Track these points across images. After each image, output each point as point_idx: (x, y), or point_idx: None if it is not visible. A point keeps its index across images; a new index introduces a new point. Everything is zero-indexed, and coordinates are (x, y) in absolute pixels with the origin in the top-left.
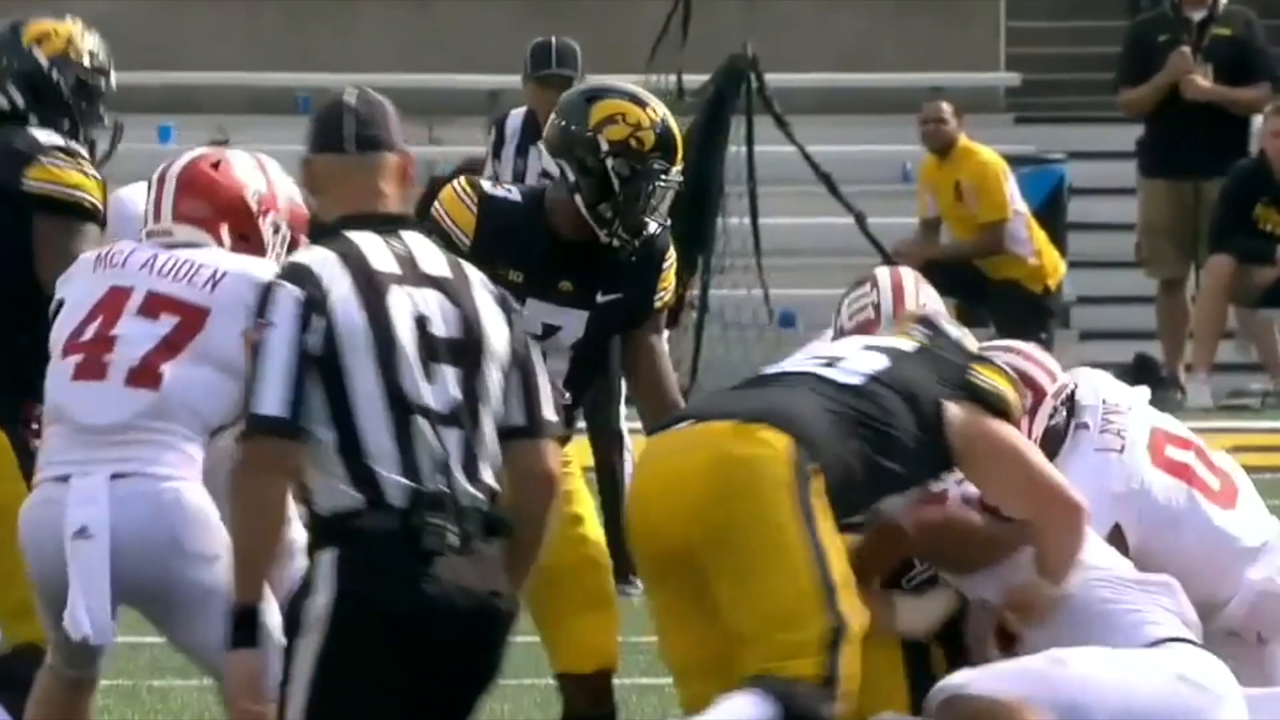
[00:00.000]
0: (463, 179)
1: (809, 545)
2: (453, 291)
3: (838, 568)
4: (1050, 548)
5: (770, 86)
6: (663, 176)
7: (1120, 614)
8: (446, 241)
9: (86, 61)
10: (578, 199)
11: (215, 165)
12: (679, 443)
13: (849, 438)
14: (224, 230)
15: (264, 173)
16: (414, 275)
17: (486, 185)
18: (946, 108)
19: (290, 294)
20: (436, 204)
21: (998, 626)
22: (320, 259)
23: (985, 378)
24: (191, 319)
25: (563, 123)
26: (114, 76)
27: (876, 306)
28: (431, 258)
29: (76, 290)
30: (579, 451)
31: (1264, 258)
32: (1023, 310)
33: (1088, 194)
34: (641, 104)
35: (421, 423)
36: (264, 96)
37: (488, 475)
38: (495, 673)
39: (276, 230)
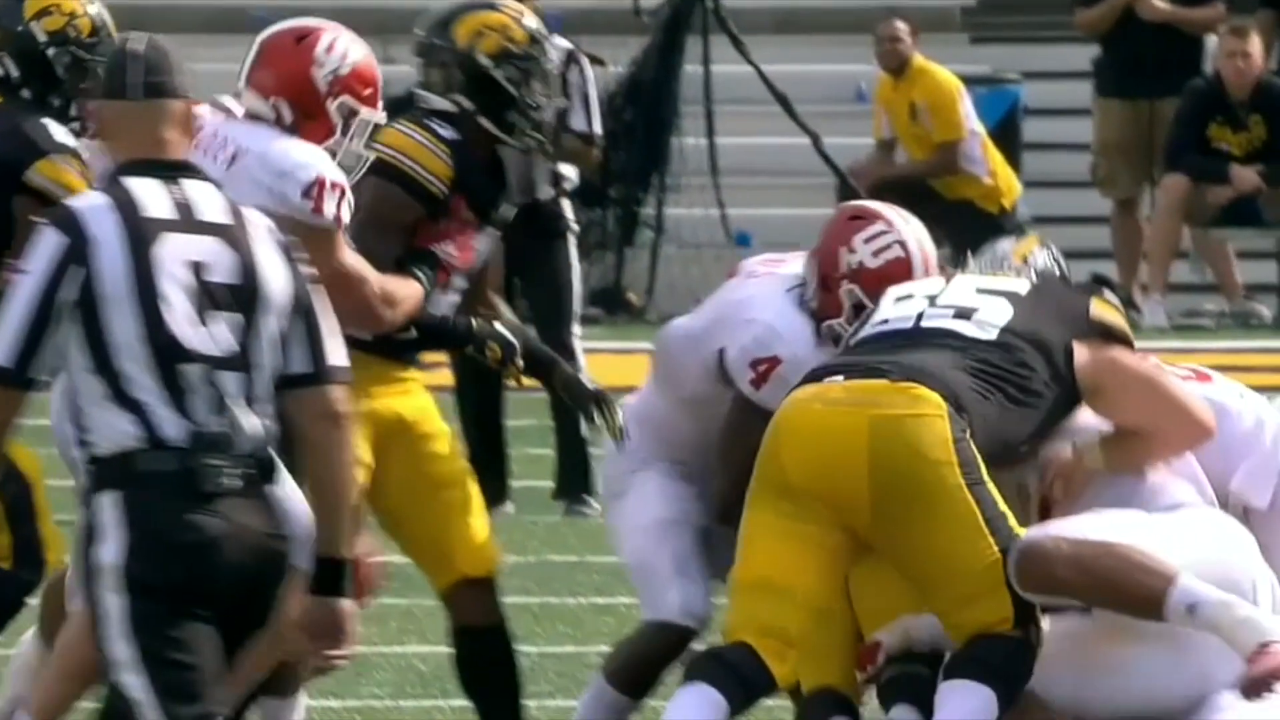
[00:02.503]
0: (414, 127)
1: (974, 498)
2: (232, 239)
3: (1002, 512)
4: (1160, 453)
5: (726, 6)
6: (545, 64)
7: (1146, 488)
8: (424, 192)
9: (86, 38)
10: (483, 121)
11: (300, 39)
12: (837, 396)
13: (991, 393)
14: (285, 105)
15: (352, 57)
16: (191, 222)
17: (440, 130)
18: (902, 27)
19: (51, 241)
20: (404, 157)
21: (1041, 502)
22: (90, 205)
23: (1103, 312)
24: None
25: (438, 57)
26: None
27: (903, 245)
28: (212, 205)
29: None
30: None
31: (1218, 177)
32: (978, 230)
33: (1043, 114)
34: (491, 6)
35: (194, 368)
36: (217, 16)
37: (268, 418)
38: (273, 613)
39: (352, 115)
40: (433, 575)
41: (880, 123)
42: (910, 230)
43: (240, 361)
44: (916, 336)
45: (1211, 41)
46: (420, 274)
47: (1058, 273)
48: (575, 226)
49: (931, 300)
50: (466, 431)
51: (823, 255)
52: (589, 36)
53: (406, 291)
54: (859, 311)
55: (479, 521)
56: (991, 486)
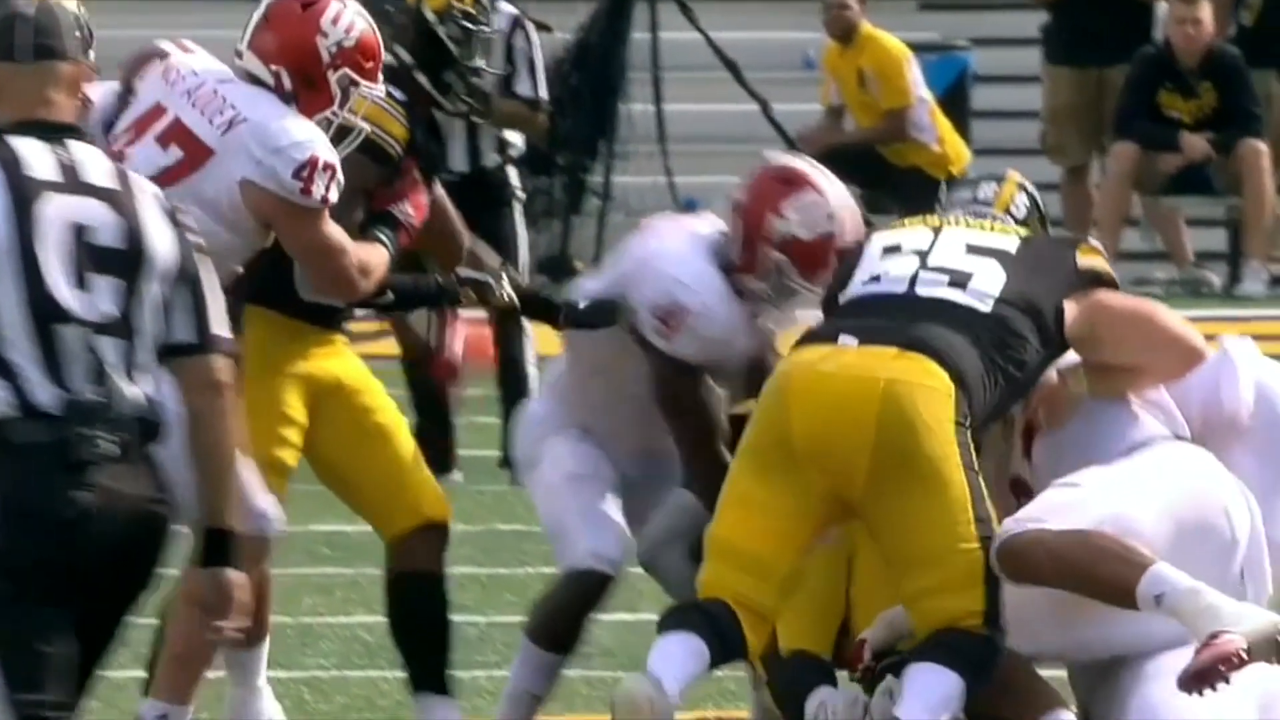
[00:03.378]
0: None
1: (966, 480)
2: (117, 202)
3: (988, 508)
4: (1149, 380)
5: None
6: (485, 28)
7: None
8: (382, 154)
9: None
10: (420, 77)
11: (306, 6)
12: (851, 360)
13: (993, 379)
14: (285, 72)
15: (357, 29)
16: (75, 184)
17: (393, 90)
18: None
19: None
20: (363, 120)
21: (1025, 426)
22: None
23: (1090, 260)
24: (194, 156)
25: (384, 10)
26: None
27: (833, 217)
28: (98, 168)
29: (142, 93)
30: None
31: (1168, 144)
32: (927, 197)
33: (992, 81)
34: None
35: (72, 331)
36: None
37: (147, 384)
38: (152, 579)
39: (352, 86)
40: (386, 524)
41: (828, 90)
42: (837, 196)
43: (121, 327)
44: (917, 307)
45: (1161, 8)
46: (383, 236)
47: (1038, 215)
48: (521, 194)
49: (922, 258)
50: (413, 400)
51: (749, 214)
52: (536, 2)
53: (377, 258)
54: (777, 279)
55: (417, 471)
56: (981, 479)
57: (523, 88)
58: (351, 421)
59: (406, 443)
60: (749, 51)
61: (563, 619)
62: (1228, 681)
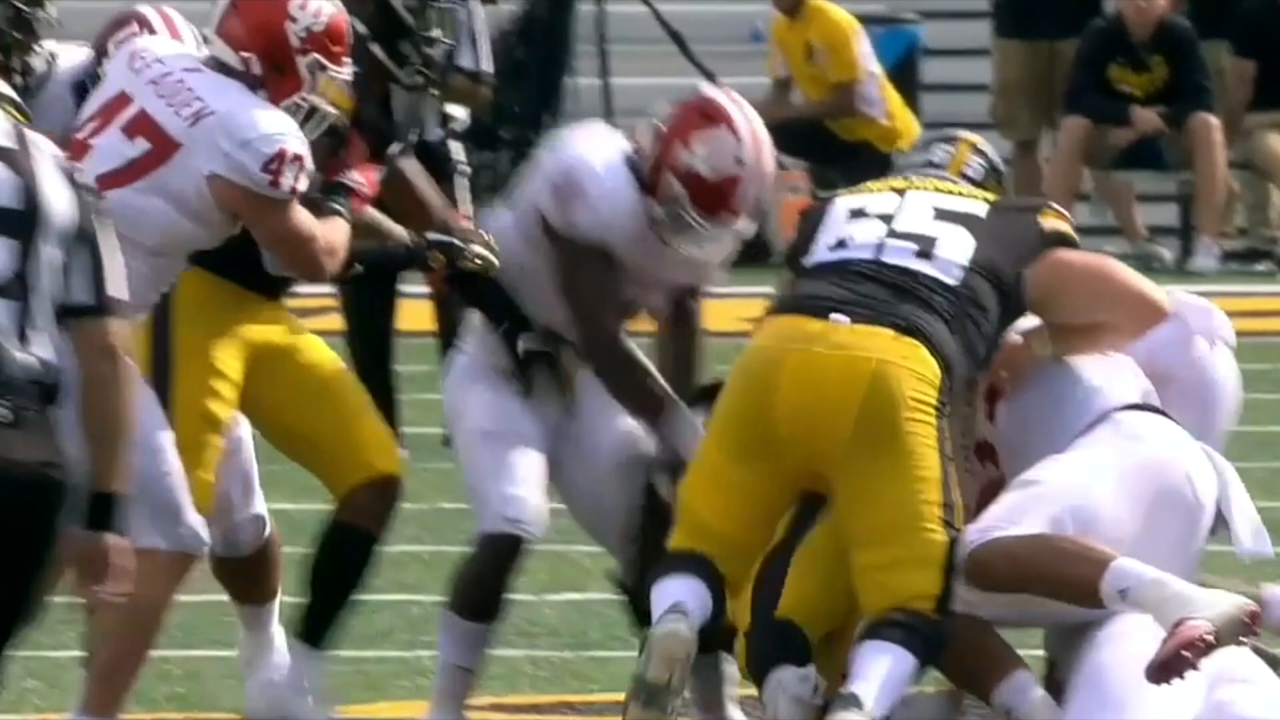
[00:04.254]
0: None
1: (940, 466)
2: (13, 161)
3: (957, 497)
4: (1110, 340)
5: None
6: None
7: (1083, 382)
8: (329, 127)
9: None
10: (374, 48)
11: None
12: (843, 340)
13: (966, 352)
14: (253, 57)
15: (326, 13)
16: None
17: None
18: None
19: None
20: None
21: (988, 390)
22: None
23: (1054, 223)
24: (161, 149)
25: None
26: (53, 7)
27: (741, 161)
28: None
29: (107, 80)
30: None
31: (1118, 119)
32: (875, 172)
33: (941, 55)
34: None
35: None
36: None
37: (43, 347)
38: (51, 546)
39: (320, 70)
40: (337, 479)
41: (776, 62)
42: (754, 142)
43: (15, 288)
44: (890, 279)
45: None
46: (337, 206)
47: (995, 176)
48: (467, 168)
49: (888, 223)
50: (357, 376)
51: (663, 139)
52: None
53: (340, 235)
54: (674, 208)
55: (369, 423)
56: (954, 468)
57: (465, 60)
58: (294, 380)
59: (353, 395)
60: (696, 24)
61: (479, 586)
62: (1195, 668)
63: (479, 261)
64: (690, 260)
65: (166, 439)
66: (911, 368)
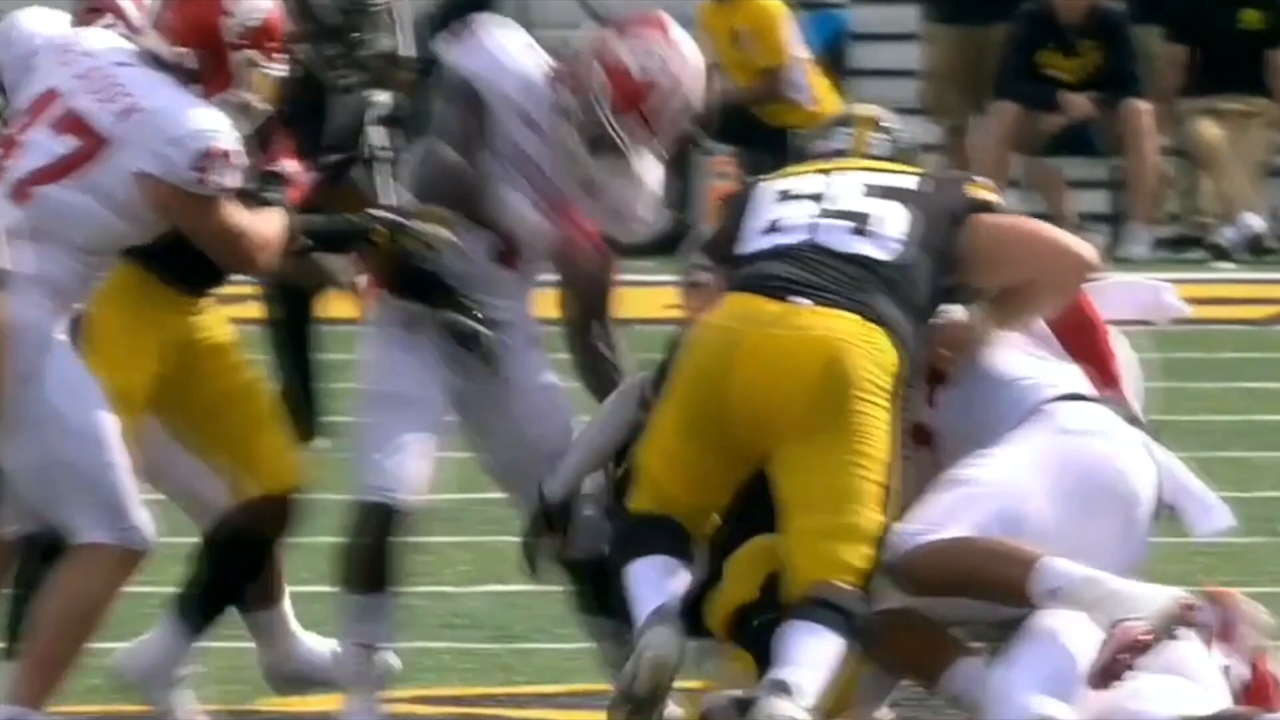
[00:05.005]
0: None
1: (890, 451)
2: None
3: (896, 477)
4: (1050, 298)
5: None
6: (368, 4)
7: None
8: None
9: None
10: (301, 51)
11: None
12: (801, 322)
13: (914, 329)
14: (189, 51)
15: (262, 8)
16: None
17: None
18: None
19: None
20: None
21: (930, 372)
22: None
23: (981, 193)
24: (91, 147)
25: None
26: None
27: (668, 72)
28: None
29: (37, 74)
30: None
31: (1048, 104)
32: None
33: (870, 39)
34: None
35: None
36: None
37: None
38: None
39: (254, 67)
40: (235, 486)
41: (702, 48)
42: (687, 61)
43: None
44: (840, 261)
45: None
46: (271, 197)
47: (902, 145)
48: (388, 154)
49: (819, 202)
50: (278, 365)
51: (600, 38)
52: None
53: (273, 227)
54: (588, 98)
55: (275, 436)
56: (899, 463)
57: (384, 44)
58: (202, 385)
59: (263, 406)
60: (622, 9)
61: (363, 557)
62: (1133, 669)
63: (426, 240)
64: (596, 193)
65: (109, 429)
66: (872, 353)
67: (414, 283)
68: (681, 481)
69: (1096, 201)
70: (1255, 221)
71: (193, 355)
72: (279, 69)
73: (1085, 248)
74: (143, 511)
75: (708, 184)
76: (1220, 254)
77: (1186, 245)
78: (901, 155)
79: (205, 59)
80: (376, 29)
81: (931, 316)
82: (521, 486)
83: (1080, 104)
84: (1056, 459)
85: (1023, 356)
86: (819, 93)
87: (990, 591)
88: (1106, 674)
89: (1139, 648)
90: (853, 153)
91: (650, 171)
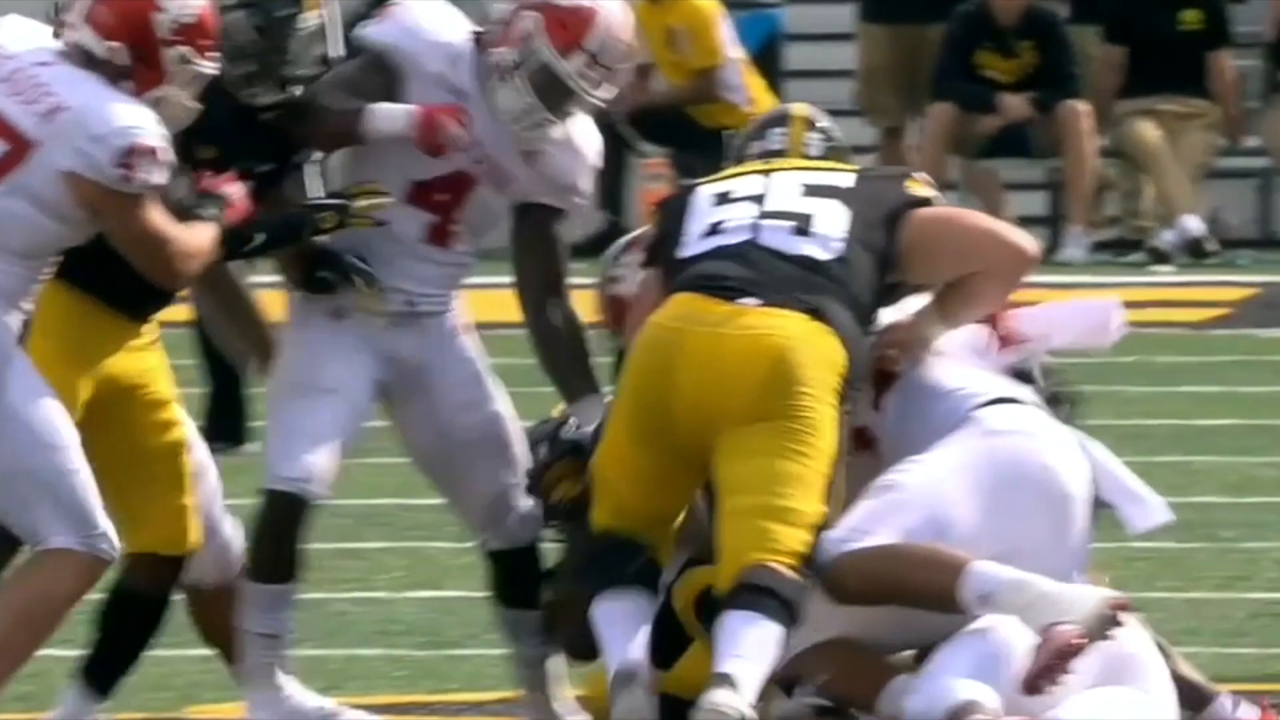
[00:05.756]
0: None
1: (836, 449)
2: None
3: (838, 475)
4: (993, 290)
5: None
6: (294, 23)
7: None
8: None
9: None
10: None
11: None
12: (748, 322)
13: (860, 329)
14: (119, 46)
15: (196, 5)
16: None
17: None
18: None
19: None
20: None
21: (877, 375)
22: None
23: (920, 190)
24: (18, 149)
25: None
26: None
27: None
28: None
29: None
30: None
31: (986, 105)
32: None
33: (805, 39)
34: None
35: None
36: None
37: None
38: None
39: (186, 65)
40: (130, 534)
41: (636, 48)
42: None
43: None
44: (786, 262)
45: None
46: (209, 214)
47: (833, 146)
48: (317, 154)
49: (759, 204)
50: (206, 369)
51: None
52: None
53: (203, 240)
54: (525, 43)
55: (181, 500)
56: (839, 466)
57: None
58: (132, 434)
59: (177, 469)
60: None
61: (269, 546)
62: (1068, 672)
63: (369, 216)
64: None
65: (71, 437)
66: (819, 352)
67: (321, 264)
68: (638, 488)
69: (1034, 204)
70: (1195, 224)
71: (128, 401)
72: (211, 67)
73: (1024, 238)
74: (107, 520)
75: (641, 186)
76: (1160, 257)
77: (1126, 248)
78: (835, 154)
79: (137, 54)
80: (303, 47)
81: (875, 315)
82: (450, 479)
83: (1017, 105)
84: (981, 460)
85: (957, 367)
86: (754, 93)
87: (919, 599)
88: (1040, 679)
89: (1072, 651)
90: (790, 152)
91: (590, 142)
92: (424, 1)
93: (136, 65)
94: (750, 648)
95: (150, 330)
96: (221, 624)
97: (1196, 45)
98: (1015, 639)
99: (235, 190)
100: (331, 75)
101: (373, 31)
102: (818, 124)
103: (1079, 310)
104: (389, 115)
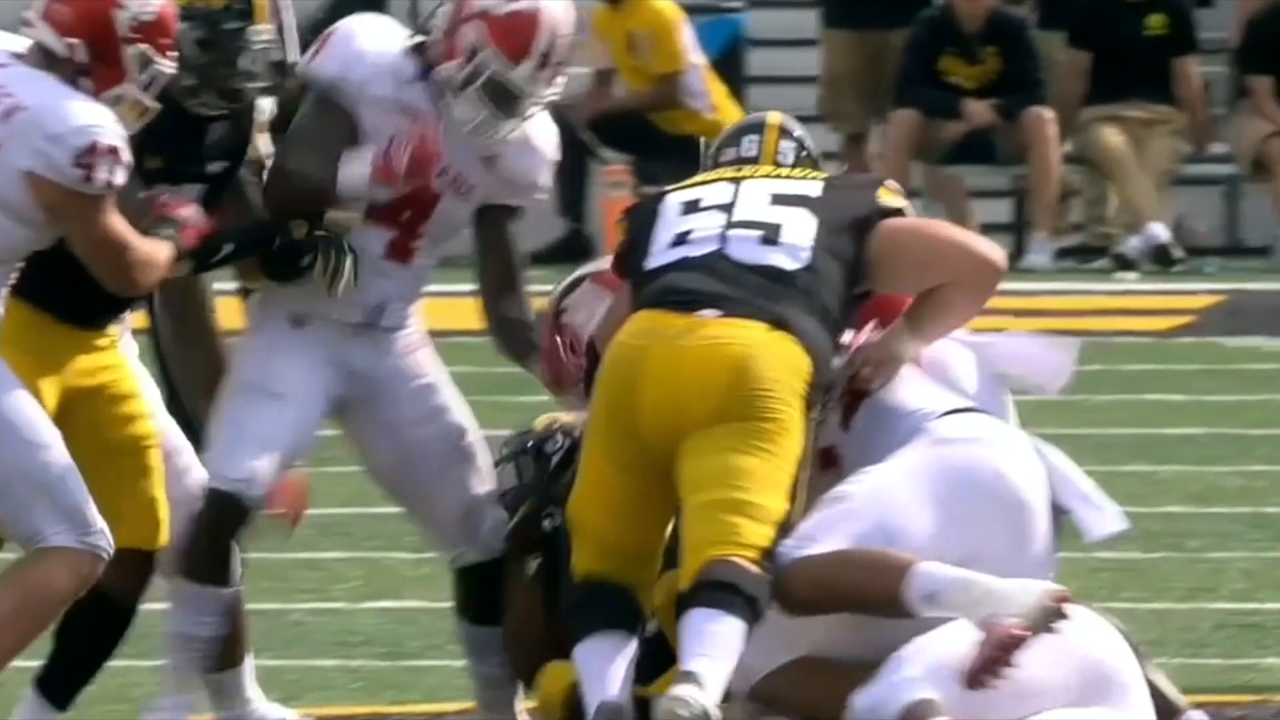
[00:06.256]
0: None
1: (802, 453)
2: None
3: (803, 479)
4: (963, 303)
5: None
6: (243, 37)
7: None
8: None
9: None
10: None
11: None
12: (708, 333)
13: (830, 338)
14: (80, 45)
15: (156, 3)
16: None
17: None
18: None
19: None
20: None
21: (847, 383)
22: None
23: (891, 200)
24: None
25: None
26: None
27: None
28: None
29: None
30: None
31: (949, 111)
32: (700, 166)
33: (767, 45)
34: None
35: None
36: None
37: None
38: None
39: (147, 64)
40: None
41: (596, 53)
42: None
43: None
44: (749, 272)
45: None
46: (165, 235)
47: (807, 156)
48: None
49: (727, 213)
50: (165, 374)
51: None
52: None
53: (161, 252)
54: (471, 58)
55: (150, 493)
56: (804, 470)
57: (271, 52)
58: (99, 429)
59: (146, 462)
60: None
61: (199, 545)
62: (1011, 665)
63: (338, 224)
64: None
65: (54, 434)
66: (782, 358)
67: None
68: (617, 519)
69: (998, 211)
70: (1160, 232)
71: (91, 399)
72: (171, 67)
73: (992, 249)
74: (100, 518)
75: (603, 193)
76: (1125, 265)
77: (1091, 255)
78: (809, 164)
79: (96, 52)
80: (254, 60)
81: (845, 323)
82: (418, 498)
83: (981, 111)
84: (932, 468)
85: (922, 384)
86: (716, 99)
87: (866, 603)
88: (983, 673)
89: (1013, 644)
90: (763, 160)
91: (547, 138)
92: (359, 22)
93: (95, 63)
94: (714, 645)
95: (114, 331)
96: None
97: (1162, 51)
98: (963, 641)
99: (190, 213)
100: (293, 131)
101: (316, 67)
102: (793, 133)
103: (1044, 349)
104: (353, 179)
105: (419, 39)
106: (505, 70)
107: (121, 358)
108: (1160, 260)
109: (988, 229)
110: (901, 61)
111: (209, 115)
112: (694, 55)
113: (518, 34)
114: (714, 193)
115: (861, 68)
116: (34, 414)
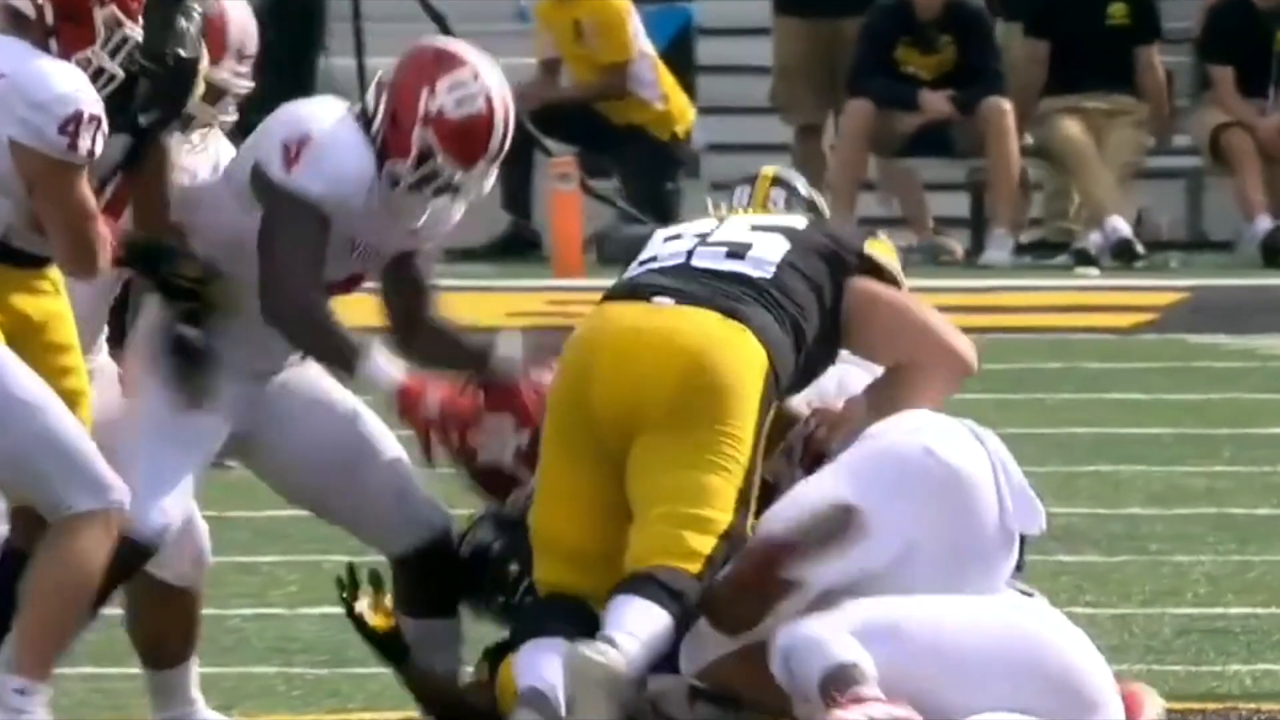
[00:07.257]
0: None
1: (751, 457)
2: None
3: (754, 486)
4: (926, 389)
5: None
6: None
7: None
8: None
9: None
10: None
11: None
12: (661, 320)
13: (792, 342)
14: (48, 5)
15: None
16: None
17: None
18: None
19: None
20: None
21: (807, 440)
22: None
23: (876, 250)
24: None
25: None
26: None
27: (489, 99)
28: None
29: None
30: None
31: (905, 102)
32: (649, 159)
33: (718, 34)
34: None
35: None
36: None
37: None
38: None
39: (117, 27)
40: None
41: (543, 43)
42: (495, 83)
43: None
44: (704, 276)
45: None
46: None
47: (802, 202)
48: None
49: (703, 239)
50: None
51: (400, 89)
52: None
53: (108, 241)
54: (423, 161)
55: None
56: (757, 477)
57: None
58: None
59: (76, 417)
60: (458, 2)
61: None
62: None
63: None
64: (418, 229)
65: (55, 400)
66: (736, 350)
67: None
68: (577, 520)
69: (956, 205)
70: (1122, 226)
71: (29, 343)
72: (138, 32)
73: (968, 347)
74: (113, 472)
75: (549, 186)
76: (1086, 260)
77: (1051, 251)
78: (800, 207)
79: (65, 12)
80: (185, 24)
81: (808, 332)
82: (346, 501)
83: (938, 102)
84: (856, 458)
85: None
86: (666, 89)
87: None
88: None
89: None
90: (753, 207)
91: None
92: (331, 133)
93: (64, 24)
94: (634, 623)
95: (55, 277)
96: (171, 626)
97: (1124, 40)
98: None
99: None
100: (289, 244)
101: (296, 181)
102: (791, 183)
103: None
104: (378, 377)
105: (361, 112)
106: (461, 178)
107: (63, 308)
108: (1122, 255)
109: (945, 223)
110: (856, 51)
111: (137, 70)
112: (643, 44)
113: (471, 140)
114: (696, 225)
115: (815, 57)
116: (37, 384)
